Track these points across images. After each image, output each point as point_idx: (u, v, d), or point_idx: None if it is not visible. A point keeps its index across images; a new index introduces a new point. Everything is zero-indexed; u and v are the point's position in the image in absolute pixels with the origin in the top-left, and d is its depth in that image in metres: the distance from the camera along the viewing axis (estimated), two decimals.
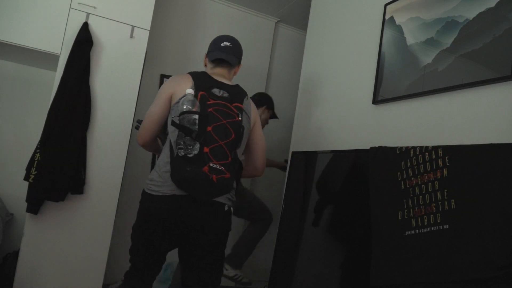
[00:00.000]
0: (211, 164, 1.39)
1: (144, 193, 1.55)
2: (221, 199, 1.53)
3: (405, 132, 1.72)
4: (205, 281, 1.57)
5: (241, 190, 2.16)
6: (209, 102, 1.47)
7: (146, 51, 2.66)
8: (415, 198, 1.36)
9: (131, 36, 2.54)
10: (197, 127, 1.40)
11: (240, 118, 1.53)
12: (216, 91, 1.56)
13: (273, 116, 2.83)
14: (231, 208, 1.60)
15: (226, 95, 1.57)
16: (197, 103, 1.45)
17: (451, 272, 1.20)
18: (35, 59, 2.69)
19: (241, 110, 1.57)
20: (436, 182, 1.30)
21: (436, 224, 1.27)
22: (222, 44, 1.77)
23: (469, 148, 1.25)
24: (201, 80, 1.57)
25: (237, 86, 1.71)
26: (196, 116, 1.41)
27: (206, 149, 1.39)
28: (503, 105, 1.33)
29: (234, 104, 1.55)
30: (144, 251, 1.55)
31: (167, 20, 3.16)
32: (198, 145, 1.39)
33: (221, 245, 1.61)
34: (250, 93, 3.52)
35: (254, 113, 1.71)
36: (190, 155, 1.38)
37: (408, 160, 1.42)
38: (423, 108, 1.65)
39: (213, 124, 1.43)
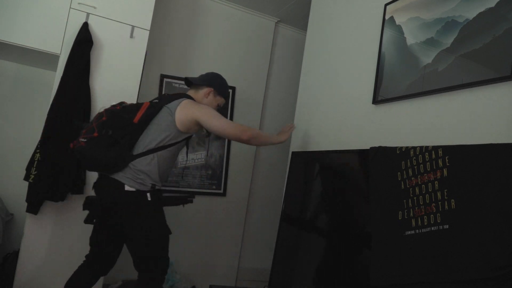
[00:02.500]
0: None
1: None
2: None
3: (405, 132, 1.72)
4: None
5: None
6: None
7: (146, 51, 2.66)
8: (415, 198, 1.36)
9: (131, 36, 2.54)
10: None
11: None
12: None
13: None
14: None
15: (155, 101, 1.95)
16: None
17: (451, 272, 1.20)
18: (35, 59, 2.69)
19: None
20: (436, 182, 1.31)
21: (436, 224, 1.27)
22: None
23: (469, 148, 1.25)
24: None
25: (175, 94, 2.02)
26: None
27: None
28: (503, 105, 1.33)
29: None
30: None
31: (167, 20, 3.16)
32: None
33: None
34: (249, 94, 3.52)
35: (179, 109, 1.88)
36: None
37: (408, 160, 1.42)
38: (423, 108, 1.65)
39: None
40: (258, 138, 1.99)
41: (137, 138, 1.81)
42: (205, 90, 2.06)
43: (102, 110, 1.85)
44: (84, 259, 1.94)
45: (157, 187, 1.82)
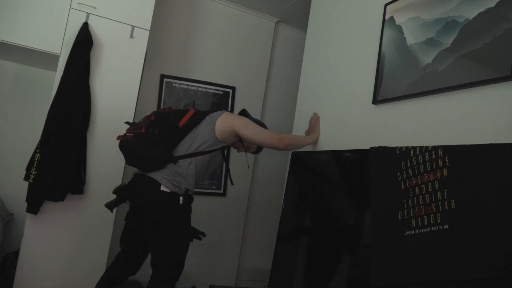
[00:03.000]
0: None
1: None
2: None
3: (405, 132, 1.72)
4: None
5: None
6: None
7: (146, 51, 2.66)
8: (415, 198, 1.36)
9: (131, 36, 2.54)
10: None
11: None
12: None
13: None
14: None
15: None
16: None
17: (451, 272, 1.20)
18: (35, 59, 2.69)
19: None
20: (436, 182, 1.30)
21: (436, 224, 1.27)
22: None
23: (469, 148, 1.25)
24: None
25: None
26: None
27: None
28: (503, 105, 1.33)
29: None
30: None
31: (167, 20, 3.16)
32: None
33: None
34: (249, 94, 3.52)
35: (220, 118, 1.98)
36: None
37: (408, 160, 1.42)
38: (423, 108, 1.65)
39: None
40: (294, 144, 2.06)
41: (179, 142, 1.88)
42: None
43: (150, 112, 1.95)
44: (115, 258, 2.00)
45: (190, 192, 1.87)
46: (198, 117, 1.94)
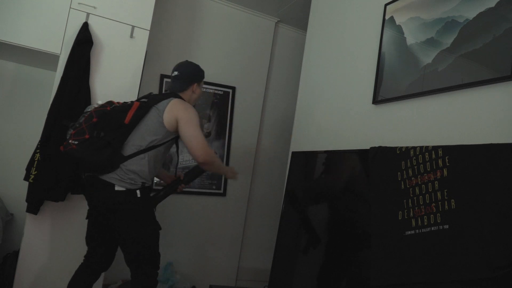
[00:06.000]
0: None
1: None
2: None
3: (405, 132, 1.72)
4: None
5: None
6: None
7: (146, 51, 2.66)
8: (415, 198, 1.36)
9: (131, 36, 2.54)
10: None
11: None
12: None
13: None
14: None
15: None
16: None
17: (451, 272, 1.20)
18: (35, 59, 2.69)
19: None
20: (436, 182, 1.31)
21: (436, 224, 1.27)
22: (172, 74, 2.07)
23: (469, 148, 1.25)
24: None
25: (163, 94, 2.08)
26: None
27: None
28: (503, 105, 1.33)
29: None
30: None
31: (167, 20, 3.16)
32: None
33: None
34: (249, 94, 3.52)
35: (167, 109, 1.88)
36: None
37: (408, 160, 1.42)
38: (423, 108, 1.65)
39: None
40: (213, 165, 1.96)
41: (126, 138, 1.81)
42: (189, 88, 2.06)
43: (90, 109, 1.84)
44: (83, 259, 1.96)
45: (146, 185, 1.84)
46: (144, 109, 1.86)
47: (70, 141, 1.74)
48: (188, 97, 2.06)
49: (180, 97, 2.00)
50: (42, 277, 2.30)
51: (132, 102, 1.91)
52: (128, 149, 1.81)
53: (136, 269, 1.82)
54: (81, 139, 1.73)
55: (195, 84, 2.08)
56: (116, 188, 1.75)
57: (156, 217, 1.89)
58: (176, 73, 2.06)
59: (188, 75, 2.07)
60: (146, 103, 1.89)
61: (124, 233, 1.80)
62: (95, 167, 1.76)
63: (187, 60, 2.18)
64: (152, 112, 1.87)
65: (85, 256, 1.96)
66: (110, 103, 1.89)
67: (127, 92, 2.51)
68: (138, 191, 1.78)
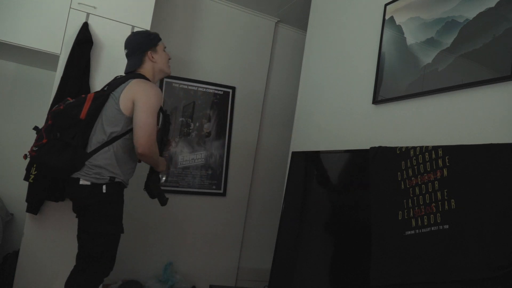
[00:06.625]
0: None
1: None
2: None
3: (405, 132, 1.72)
4: None
5: None
6: None
7: None
8: (415, 198, 1.36)
9: None
10: None
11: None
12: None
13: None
14: None
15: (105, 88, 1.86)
16: None
17: (451, 272, 1.20)
18: (35, 59, 2.69)
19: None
20: (436, 182, 1.31)
21: (436, 224, 1.27)
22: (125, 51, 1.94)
23: (469, 148, 1.25)
24: None
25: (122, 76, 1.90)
26: None
27: None
28: (503, 105, 1.33)
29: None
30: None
31: (167, 20, 3.16)
32: None
33: None
34: (249, 94, 3.52)
35: (123, 94, 1.75)
36: None
37: (408, 160, 1.42)
38: (423, 108, 1.65)
39: None
40: (151, 160, 1.79)
41: (89, 134, 1.74)
42: (145, 59, 1.89)
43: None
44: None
45: (117, 180, 1.75)
46: (101, 99, 1.74)
47: (32, 148, 1.69)
48: (150, 70, 1.89)
49: (143, 76, 1.85)
50: (42, 277, 2.30)
51: (87, 95, 1.81)
52: (92, 145, 1.73)
53: (80, 265, 1.75)
54: (40, 144, 1.68)
55: (149, 51, 1.89)
56: (81, 182, 1.69)
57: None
58: (126, 51, 1.91)
59: (136, 46, 1.88)
60: (104, 92, 1.78)
61: (82, 226, 1.76)
62: (59, 170, 1.69)
63: (132, 32, 2.01)
64: (110, 100, 1.75)
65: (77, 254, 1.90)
66: (65, 101, 1.79)
67: None
68: (104, 187, 1.69)
